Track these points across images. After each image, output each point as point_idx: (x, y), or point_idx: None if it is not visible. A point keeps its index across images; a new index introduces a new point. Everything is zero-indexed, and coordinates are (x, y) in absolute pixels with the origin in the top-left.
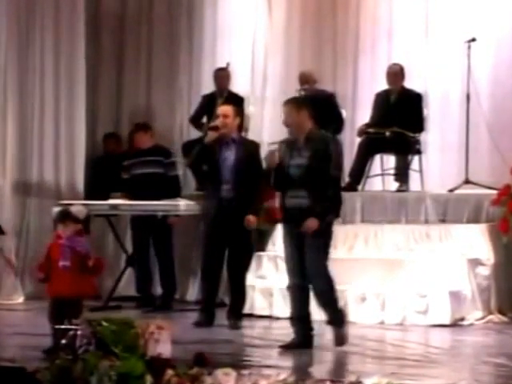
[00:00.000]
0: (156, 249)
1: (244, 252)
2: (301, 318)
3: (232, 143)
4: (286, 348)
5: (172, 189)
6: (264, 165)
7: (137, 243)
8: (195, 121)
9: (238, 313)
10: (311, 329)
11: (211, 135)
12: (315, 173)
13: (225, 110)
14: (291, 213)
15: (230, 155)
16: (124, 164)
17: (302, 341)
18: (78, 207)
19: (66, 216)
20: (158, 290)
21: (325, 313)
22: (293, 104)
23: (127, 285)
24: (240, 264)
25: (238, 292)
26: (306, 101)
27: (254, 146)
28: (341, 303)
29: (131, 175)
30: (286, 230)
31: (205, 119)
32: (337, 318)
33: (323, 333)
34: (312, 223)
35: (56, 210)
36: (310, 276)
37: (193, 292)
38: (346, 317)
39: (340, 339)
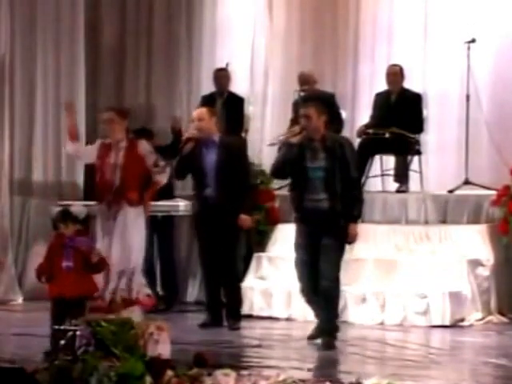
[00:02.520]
0: (159, 249)
1: (233, 252)
2: (323, 312)
3: (212, 144)
4: (313, 338)
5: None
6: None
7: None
8: None
9: (235, 313)
10: (337, 316)
11: (188, 147)
12: (335, 175)
13: (199, 113)
14: (310, 214)
15: (211, 157)
16: None
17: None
18: (79, 207)
19: (66, 216)
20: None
21: (321, 317)
22: (315, 108)
23: None
24: (230, 264)
25: (232, 292)
26: (325, 107)
27: (238, 144)
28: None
29: None
30: (301, 230)
31: None
32: (331, 327)
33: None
34: (355, 230)
35: (56, 210)
36: (324, 277)
37: (192, 293)
38: (338, 328)
39: (328, 346)
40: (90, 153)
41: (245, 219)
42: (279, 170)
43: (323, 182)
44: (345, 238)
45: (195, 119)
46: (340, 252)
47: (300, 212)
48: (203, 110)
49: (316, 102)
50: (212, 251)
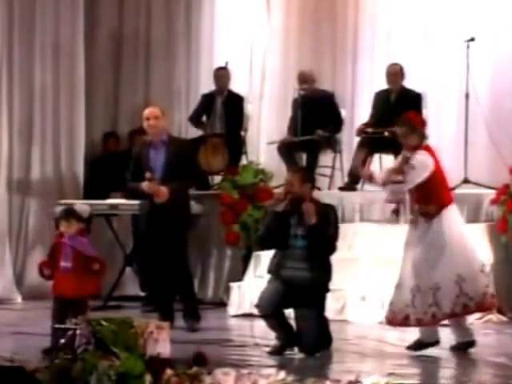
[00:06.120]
0: None
1: (184, 250)
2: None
3: (161, 145)
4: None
5: None
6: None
7: (138, 241)
8: (195, 120)
9: (194, 313)
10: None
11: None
12: (317, 244)
13: (154, 112)
14: (288, 284)
15: (160, 157)
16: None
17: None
18: (83, 206)
19: (70, 214)
20: None
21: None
22: (299, 176)
23: (127, 284)
24: (181, 263)
25: (188, 291)
26: (311, 175)
27: (185, 144)
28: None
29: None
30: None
31: (204, 118)
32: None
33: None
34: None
35: (59, 207)
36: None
37: None
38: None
39: None
40: None
41: (161, 190)
42: (265, 241)
43: (306, 251)
44: (322, 307)
45: (151, 117)
46: (319, 319)
47: (278, 278)
48: (157, 109)
49: (302, 171)
50: (162, 250)
